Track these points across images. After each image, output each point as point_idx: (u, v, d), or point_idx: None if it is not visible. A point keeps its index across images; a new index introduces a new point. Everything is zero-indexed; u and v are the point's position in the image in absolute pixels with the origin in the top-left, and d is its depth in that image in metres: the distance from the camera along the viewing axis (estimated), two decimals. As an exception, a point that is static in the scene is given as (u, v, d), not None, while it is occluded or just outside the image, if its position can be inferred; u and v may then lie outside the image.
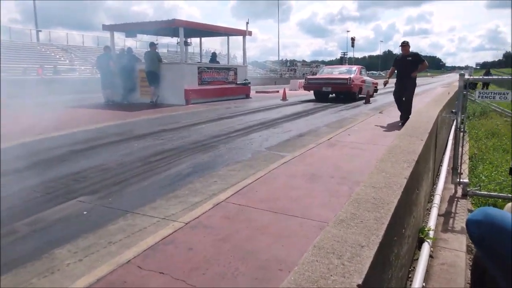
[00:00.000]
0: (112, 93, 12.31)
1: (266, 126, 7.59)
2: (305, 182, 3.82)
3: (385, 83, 8.23)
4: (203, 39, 17.39)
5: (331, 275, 1.06)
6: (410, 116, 7.07)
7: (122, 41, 28.19)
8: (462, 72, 4.26)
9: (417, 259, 2.33)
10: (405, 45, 7.71)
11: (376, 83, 17.38)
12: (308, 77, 16.74)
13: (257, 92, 18.46)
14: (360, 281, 1.04)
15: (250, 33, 15.96)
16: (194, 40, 17.58)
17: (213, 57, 16.21)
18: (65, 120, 8.23)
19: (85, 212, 3.16)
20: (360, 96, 14.18)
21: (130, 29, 13.67)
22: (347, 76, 14.00)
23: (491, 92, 3.87)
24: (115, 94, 12.37)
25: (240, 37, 15.61)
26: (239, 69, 15.05)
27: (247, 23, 16.04)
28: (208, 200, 3.31)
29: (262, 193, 3.48)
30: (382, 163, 2.05)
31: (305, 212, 3.02)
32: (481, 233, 1.28)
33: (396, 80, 8.00)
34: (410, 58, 7.59)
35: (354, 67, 15.69)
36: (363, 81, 14.90)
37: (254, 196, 3.41)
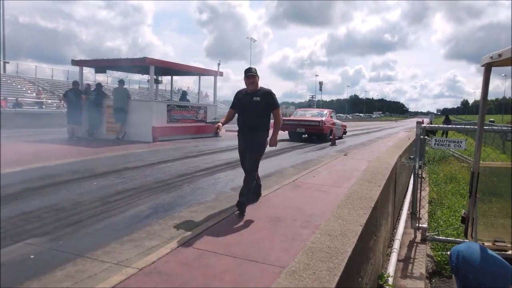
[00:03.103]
0: (78, 129, 12.04)
1: (232, 166, 7.56)
2: (268, 225, 3.76)
3: (217, 130, 4.60)
4: (176, 76, 17.54)
5: (276, 334, 1.01)
6: (261, 194, 4.89)
7: (94, 75, 27.99)
8: (419, 120, 4.47)
9: (376, 308, 2.30)
10: (251, 75, 4.40)
11: (345, 126, 19.23)
12: (284, 118, 17.62)
13: (227, 131, 18.50)
14: None
15: (221, 74, 16.27)
16: (167, 77, 17.71)
17: (183, 95, 16.32)
18: (24, 155, 7.88)
19: (32, 256, 2.95)
20: (330, 137, 14.77)
21: (100, 65, 13.61)
22: (319, 119, 15.30)
23: (447, 140, 4.05)
24: (81, 130, 12.11)
25: (212, 77, 15.86)
26: (209, 107, 15.17)
27: (219, 64, 16.57)
28: (166, 244, 3.18)
29: (223, 237, 3.38)
30: (339, 210, 2.06)
31: (266, 257, 2.95)
32: (457, 263, 1.34)
33: (238, 131, 4.67)
34: (258, 98, 4.44)
35: (325, 111, 16.97)
36: (334, 124, 16.13)
37: (214, 240, 3.31)
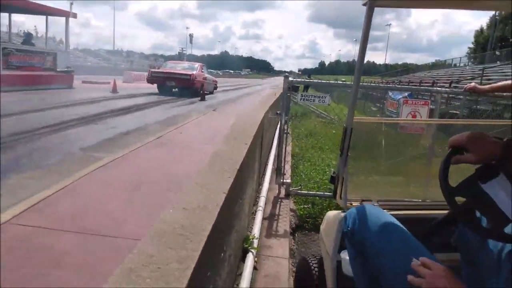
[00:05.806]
0: None
1: (85, 122, 6.63)
2: (126, 190, 3.29)
3: None
4: (22, 18, 14.68)
5: None
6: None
7: None
8: (287, 74, 4.42)
9: (241, 274, 2.13)
10: None
11: (216, 81, 19.10)
12: (152, 70, 16.35)
13: (83, 82, 16.54)
14: None
15: (74, 15, 14.19)
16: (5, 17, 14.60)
17: (28, 38, 13.77)
18: None
19: None
20: (201, 92, 14.39)
21: None
22: (190, 72, 14.74)
23: (312, 96, 4.10)
24: None
25: (63, 19, 13.65)
26: (59, 54, 13.08)
27: (71, 3, 14.04)
28: (-17, 223, 2.46)
29: (67, 208, 2.80)
30: (200, 174, 1.75)
31: (121, 230, 2.52)
32: (353, 226, 1.24)
33: None
34: None
35: (196, 64, 16.49)
36: (205, 78, 15.81)
37: (54, 212, 2.71)
